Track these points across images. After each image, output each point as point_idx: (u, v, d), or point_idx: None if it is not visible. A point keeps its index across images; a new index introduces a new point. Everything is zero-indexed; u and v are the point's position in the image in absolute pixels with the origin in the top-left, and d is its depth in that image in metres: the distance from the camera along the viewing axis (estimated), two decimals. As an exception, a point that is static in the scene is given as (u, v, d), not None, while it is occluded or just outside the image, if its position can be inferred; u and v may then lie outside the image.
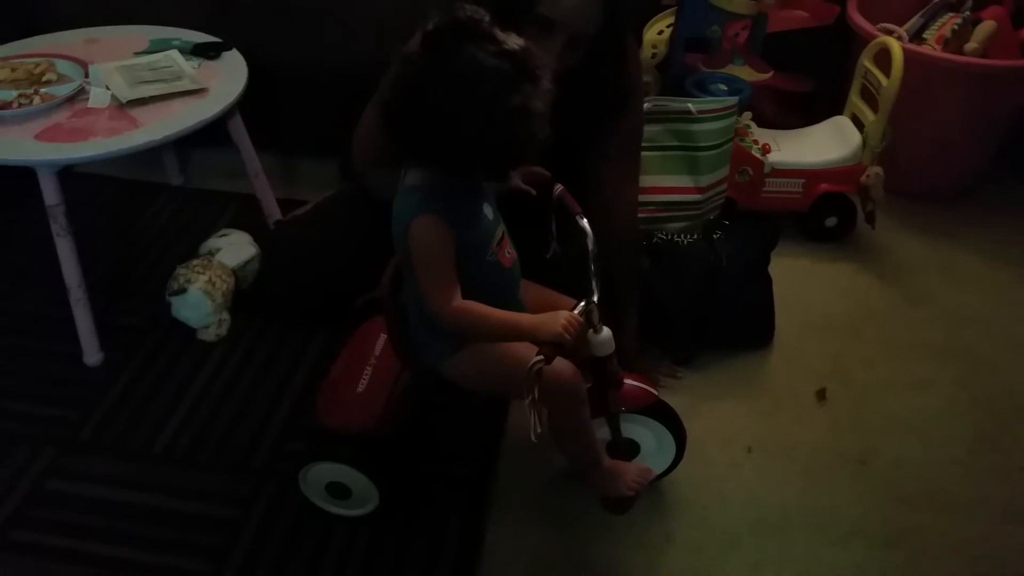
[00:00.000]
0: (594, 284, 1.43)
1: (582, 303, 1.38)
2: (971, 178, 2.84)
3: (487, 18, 1.26)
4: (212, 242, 2.26)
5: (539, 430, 1.28)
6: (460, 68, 1.22)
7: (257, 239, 2.32)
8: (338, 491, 1.69)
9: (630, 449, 1.71)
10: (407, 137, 1.30)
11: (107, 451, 1.86)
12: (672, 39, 2.60)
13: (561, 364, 1.37)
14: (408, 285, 1.46)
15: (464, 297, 1.35)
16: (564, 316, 1.31)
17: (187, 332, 2.14)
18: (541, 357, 1.27)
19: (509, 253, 1.47)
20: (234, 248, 2.24)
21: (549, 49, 1.57)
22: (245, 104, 2.14)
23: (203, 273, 2.11)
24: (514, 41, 1.25)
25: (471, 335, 1.43)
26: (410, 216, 1.33)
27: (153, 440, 1.89)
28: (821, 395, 2.07)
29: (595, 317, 1.40)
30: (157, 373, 2.05)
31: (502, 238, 1.45)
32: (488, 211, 1.42)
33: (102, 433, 1.90)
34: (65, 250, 1.96)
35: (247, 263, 2.25)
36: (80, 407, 1.96)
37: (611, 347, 1.45)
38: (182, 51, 2.20)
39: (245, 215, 2.49)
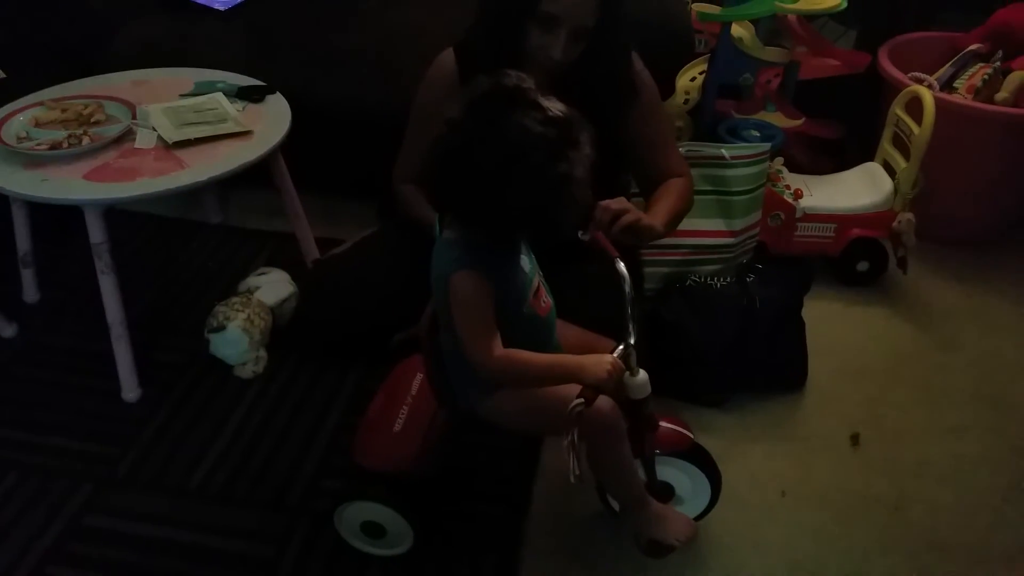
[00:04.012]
0: (631, 327, 1.43)
1: (620, 346, 1.39)
2: (1002, 225, 2.84)
3: (532, 84, 1.28)
4: (251, 280, 2.29)
5: (578, 472, 1.28)
6: (509, 137, 1.24)
7: (295, 278, 2.34)
8: (373, 530, 1.69)
9: (665, 492, 1.71)
10: (453, 202, 1.33)
11: (144, 487, 1.88)
12: (705, 85, 2.63)
13: (601, 400, 1.36)
14: (445, 333, 1.47)
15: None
16: (608, 360, 1.32)
17: (224, 369, 2.16)
18: (581, 400, 1.28)
19: (545, 302, 1.48)
20: (272, 286, 2.27)
21: (553, 43, 1.68)
22: (285, 145, 2.17)
23: (242, 311, 2.14)
24: (556, 107, 1.27)
25: (516, 383, 1.44)
26: (450, 270, 1.35)
27: (189, 476, 1.90)
28: (855, 440, 2.06)
29: (632, 360, 1.41)
30: (194, 409, 2.07)
31: (538, 288, 1.46)
32: (525, 263, 1.44)
33: (139, 469, 1.92)
34: (108, 287, 2.00)
35: (284, 301, 2.27)
36: (118, 443, 1.98)
37: (647, 390, 1.46)
38: (227, 94, 2.25)
39: (283, 253, 2.52)
